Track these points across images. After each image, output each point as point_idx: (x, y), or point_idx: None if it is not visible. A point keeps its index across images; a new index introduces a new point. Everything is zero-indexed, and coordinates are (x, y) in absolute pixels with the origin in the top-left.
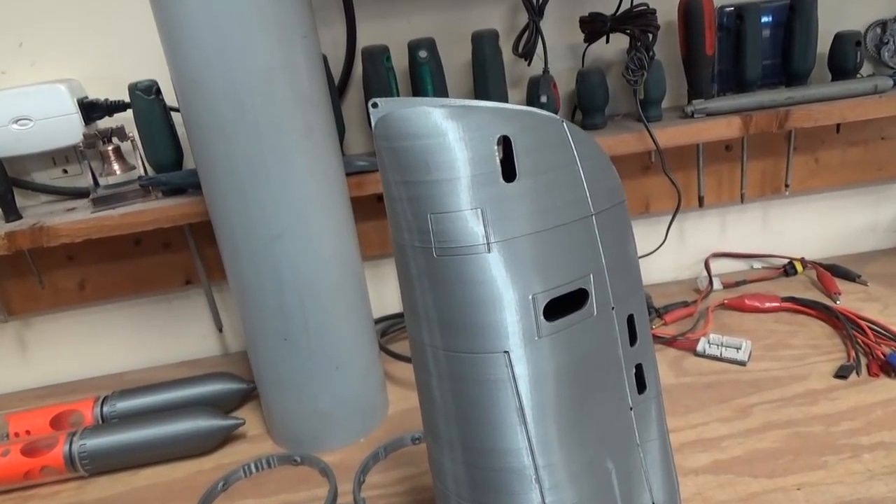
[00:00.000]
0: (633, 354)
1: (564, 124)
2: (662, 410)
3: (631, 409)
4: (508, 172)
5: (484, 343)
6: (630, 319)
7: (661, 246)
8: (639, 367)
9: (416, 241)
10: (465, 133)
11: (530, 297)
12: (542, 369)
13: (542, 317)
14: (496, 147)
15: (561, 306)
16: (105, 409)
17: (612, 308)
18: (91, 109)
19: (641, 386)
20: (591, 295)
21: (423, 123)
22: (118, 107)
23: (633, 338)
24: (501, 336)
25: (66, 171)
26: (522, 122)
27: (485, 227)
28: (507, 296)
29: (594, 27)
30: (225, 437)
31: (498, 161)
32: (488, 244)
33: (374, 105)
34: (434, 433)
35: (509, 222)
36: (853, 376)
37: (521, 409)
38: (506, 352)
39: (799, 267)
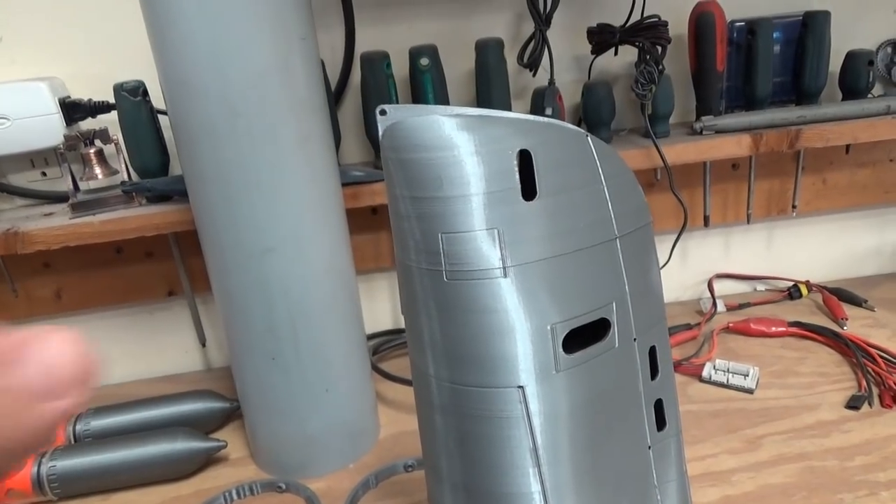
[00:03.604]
0: (654, 389)
1: (589, 139)
2: (682, 449)
3: (649, 447)
4: (528, 190)
5: (496, 377)
6: (652, 351)
7: (664, 266)
8: (658, 403)
9: (425, 263)
10: (481, 146)
11: (548, 327)
12: (559, 406)
13: (560, 349)
14: (515, 161)
15: (579, 337)
16: (78, 427)
17: (634, 339)
18: (73, 110)
19: (661, 423)
20: (614, 325)
21: (436, 134)
22: (102, 108)
23: (654, 371)
24: (515, 369)
25: (44, 174)
26: (543, 135)
27: (501, 249)
28: (522, 325)
29: (602, 38)
30: (205, 461)
31: (517, 177)
32: (504, 268)
33: (383, 112)
34: (435, 472)
35: (527, 245)
36: (865, 407)
37: (535, 449)
38: (520, 387)
39: (804, 290)
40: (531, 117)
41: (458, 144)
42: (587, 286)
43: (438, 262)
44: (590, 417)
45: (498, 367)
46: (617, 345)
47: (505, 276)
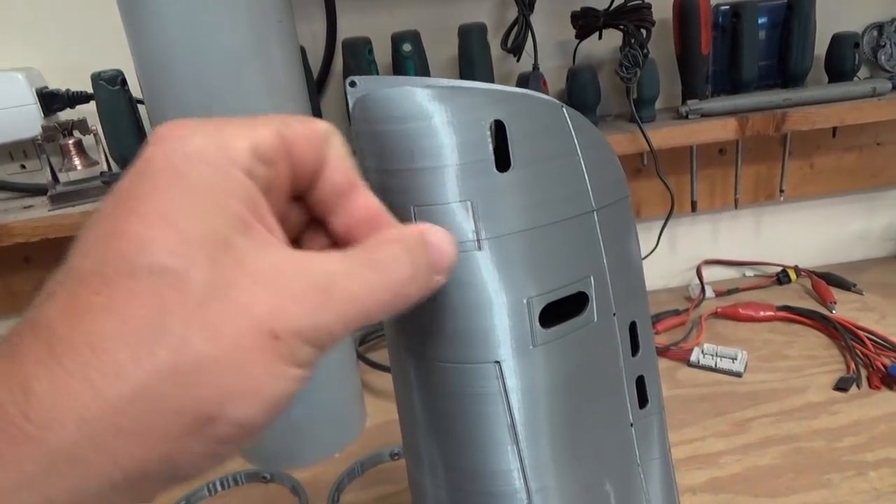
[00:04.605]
0: (635, 365)
1: (564, 109)
2: (665, 427)
3: (631, 425)
4: (502, 161)
5: (472, 352)
6: (632, 327)
7: (652, 252)
8: (640, 380)
9: None
10: (453, 116)
11: (525, 300)
12: (537, 381)
13: (537, 323)
14: (489, 132)
15: (558, 312)
16: None
17: (614, 314)
18: (51, 100)
19: (643, 400)
20: (592, 299)
21: (408, 105)
22: (80, 98)
23: (635, 347)
24: (492, 344)
25: (24, 167)
26: (518, 105)
27: (475, 221)
28: (498, 299)
29: (586, 22)
30: None
31: (490, 148)
32: (479, 241)
33: (353, 84)
34: (414, 452)
35: (502, 217)
36: (853, 389)
37: (513, 426)
38: (497, 362)
39: (792, 275)
40: (505, 88)
41: (432, 115)
42: (564, 259)
43: None
44: (569, 393)
45: (473, 342)
46: (596, 319)
47: (479, 248)
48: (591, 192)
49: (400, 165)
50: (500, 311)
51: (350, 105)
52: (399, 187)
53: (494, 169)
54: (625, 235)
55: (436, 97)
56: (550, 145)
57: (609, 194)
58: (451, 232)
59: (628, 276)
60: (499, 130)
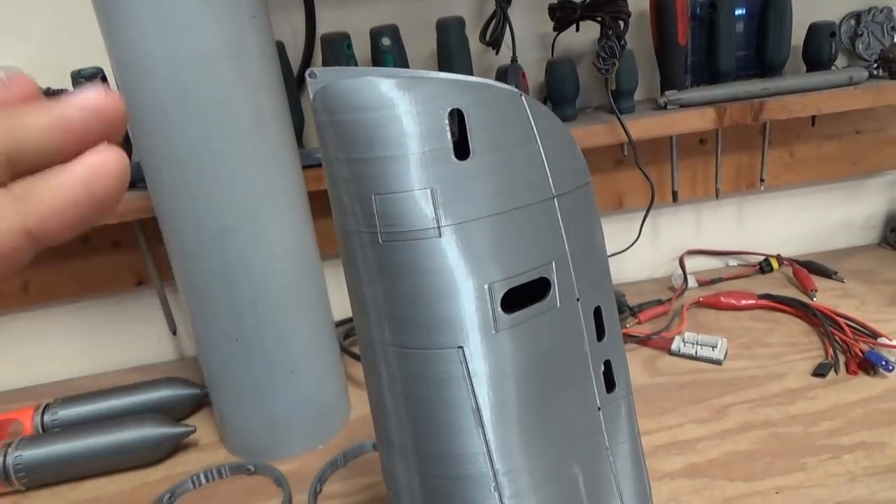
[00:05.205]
0: (601, 350)
1: (523, 98)
2: (633, 411)
3: (599, 409)
4: (461, 149)
5: (436, 338)
6: (597, 312)
7: (634, 243)
8: (607, 364)
9: (361, 226)
10: (413, 105)
11: (486, 286)
12: (501, 366)
13: (499, 308)
14: (447, 121)
15: (521, 297)
16: (46, 417)
17: (577, 299)
18: None
19: (610, 384)
20: (554, 284)
21: (369, 95)
22: (60, 95)
23: (600, 332)
24: (455, 330)
25: None
26: (477, 94)
27: (435, 208)
28: (460, 285)
29: (564, 15)
30: (174, 446)
31: (449, 136)
32: (439, 228)
33: (312, 75)
34: (386, 439)
35: (463, 204)
36: (831, 374)
37: (478, 409)
38: (460, 347)
39: (774, 264)
40: (464, 77)
41: (392, 104)
42: (525, 245)
43: (373, 224)
44: (535, 378)
45: (437, 328)
46: (559, 304)
47: (440, 235)
48: (550, 179)
49: (361, 154)
50: (462, 296)
51: (311, 96)
52: (361, 175)
53: (454, 157)
54: (587, 222)
55: (396, 87)
56: (509, 133)
57: (569, 181)
58: (413, 219)
59: (592, 263)
60: (459, 119)
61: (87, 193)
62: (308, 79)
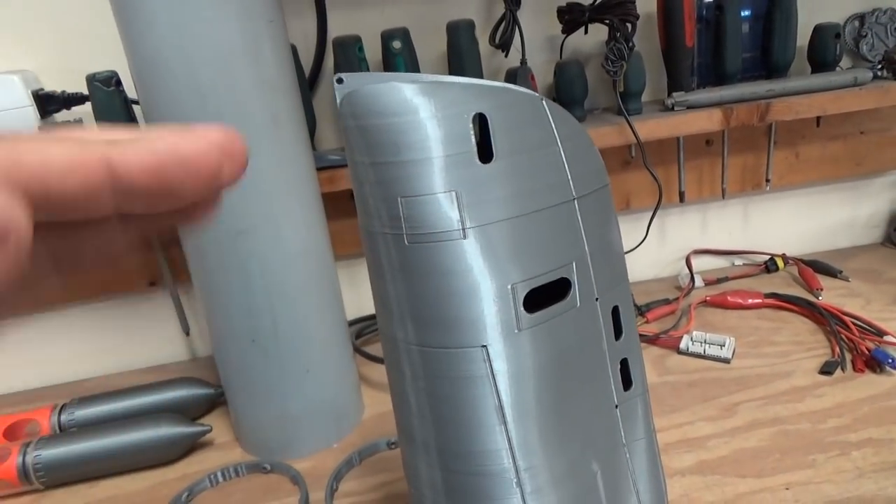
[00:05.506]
0: (619, 349)
1: (544, 102)
2: (649, 408)
3: (616, 406)
4: (484, 153)
5: (460, 337)
6: (615, 311)
7: (641, 243)
8: (624, 363)
9: (386, 228)
10: (437, 110)
11: (509, 287)
12: (523, 365)
13: (521, 308)
14: (471, 125)
15: (542, 297)
16: (63, 417)
17: (596, 299)
18: (47, 102)
19: (627, 382)
20: (574, 285)
21: (393, 100)
22: (76, 99)
23: (618, 331)
24: (479, 329)
25: None
26: (499, 98)
27: (459, 211)
28: (484, 286)
29: (572, 17)
30: (190, 446)
31: (473, 140)
32: (463, 230)
33: (340, 81)
34: (408, 436)
35: (486, 206)
36: (838, 372)
37: (501, 407)
38: (483, 346)
39: (780, 263)
40: (486, 82)
41: (417, 109)
42: (547, 246)
43: (399, 227)
44: (555, 376)
45: (461, 328)
46: (579, 304)
47: (464, 237)
48: (571, 182)
49: (387, 158)
50: (485, 297)
51: (338, 101)
52: (386, 179)
53: (478, 160)
54: (605, 223)
55: (420, 92)
56: (531, 136)
57: (589, 183)
58: (438, 221)
59: (610, 263)
60: (482, 123)
61: (175, 152)
62: (335, 84)
